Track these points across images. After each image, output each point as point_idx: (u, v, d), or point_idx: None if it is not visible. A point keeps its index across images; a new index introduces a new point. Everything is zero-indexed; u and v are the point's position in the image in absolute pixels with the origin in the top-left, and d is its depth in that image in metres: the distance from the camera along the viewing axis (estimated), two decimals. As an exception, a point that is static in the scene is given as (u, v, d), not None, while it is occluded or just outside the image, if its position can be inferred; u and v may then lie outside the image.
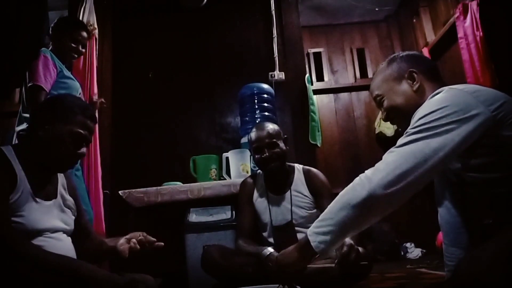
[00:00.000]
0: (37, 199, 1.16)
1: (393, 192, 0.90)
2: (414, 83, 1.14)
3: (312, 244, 0.99)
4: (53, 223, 1.19)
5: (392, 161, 0.92)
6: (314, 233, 1.00)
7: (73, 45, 2.15)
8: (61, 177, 1.32)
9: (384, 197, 0.91)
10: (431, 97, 1.03)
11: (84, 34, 2.21)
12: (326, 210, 1.01)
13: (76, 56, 2.22)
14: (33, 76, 1.94)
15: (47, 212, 1.18)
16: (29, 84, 1.94)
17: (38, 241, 1.11)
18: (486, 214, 1.00)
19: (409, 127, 0.97)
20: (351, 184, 0.97)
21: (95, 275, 1.03)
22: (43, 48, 2.05)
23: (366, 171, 0.96)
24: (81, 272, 1.02)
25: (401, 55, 1.22)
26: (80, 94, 2.20)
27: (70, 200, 1.31)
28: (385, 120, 1.23)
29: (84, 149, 1.24)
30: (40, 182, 1.20)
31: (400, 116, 1.17)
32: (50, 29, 2.19)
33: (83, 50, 2.27)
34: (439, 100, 0.98)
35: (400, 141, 0.96)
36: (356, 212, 0.94)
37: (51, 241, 1.15)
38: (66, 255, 1.16)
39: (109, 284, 1.03)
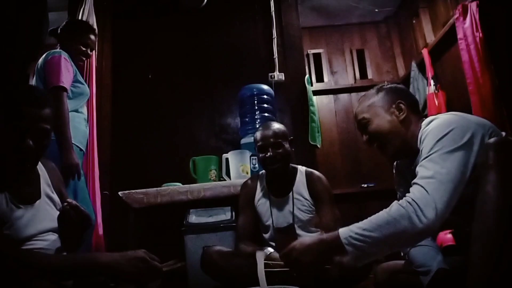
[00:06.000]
0: (21, 206, 1.11)
1: (443, 219, 0.96)
2: (401, 113, 1.23)
3: (350, 254, 1.00)
4: (40, 227, 1.15)
5: (437, 190, 0.97)
6: (353, 245, 0.99)
7: (82, 48, 2.14)
8: (43, 173, 1.26)
9: (436, 226, 0.97)
10: (430, 123, 1.12)
11: (93, 37, 2.21)
12: (372, 226, 0.99)
13: (84, 59, 2.21)
14: (56, 77, 1.90)
15: (33, 216, 1.14)
16: (51, 86, 1.89)
17: (27, 245, 1.09)
18: (466, 223, 1.01)
19: (430, 150, 1.04)
20: (404, 212, 0.97)
21: (115, 260, 0.99)
22: (60, 50, 2.04)
23: (415, 199, 0.97)
24: (100, 263, 0.99)
25: (389, 86, 1.32)
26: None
27: (55, 197, 1.26)
28: (368, 144, 1.29)
29: (28, 142, 1.06)
30: (19, 187, 1.15)
31: (382, 142, 1.24)
32: (59, 31, 2.18)
33: (91, 54, 2.27)
34: (445, 124, 1.06)
35: (429, 166, 1.01)
36: (408, 242, 1.04)
37: (39, 243, 1.13)
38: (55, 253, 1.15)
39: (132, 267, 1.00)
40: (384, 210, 1.01)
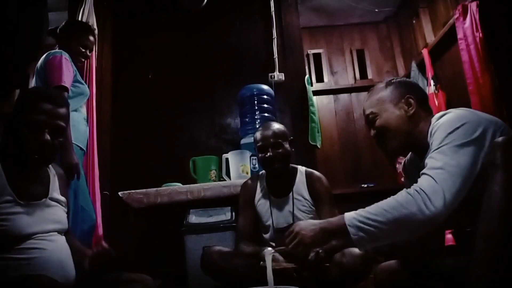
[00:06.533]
0: (22, 202, 1.12)
1: (450, 210, 0.96)
2: (410, 108, 1.20)
3: (352, 236, 1.01)
4: (42, 225, 1.15)
5: (445, 180, 0.97)
6: (356, 226, 1.00)
7: (81, 49, 2.15)
8: (53, 178, 1.28)
9: (443, 217, 0.96)
10: (441, 117, 1.11)
11: (92, 38, 2.21)
12: (377, 210, 1.00)
13: (83, 60, 2.21)
14: (58, 76, 1.90)
15: (36, 214, 1.15)
16: (53, 86, 1.88)
17: (29, 244, 1.10)
18: (468, 222, 1.01)
19: (440, 143, 1.03)
20: (411, 198, 0.97)
21: None
22: (61, 50, 2.04)
23: (423, 188, 0.97)
24: None
25: (399, 80, 1.28)
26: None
27: (62, 199, 1.28)
28: (375, 138, 1.26)
29: (46, 136, 1.13)
30: (25, 183, 1.16)
31: (390, 138, 1.21)
32: (58, 31, 2.18)
33: (90, 55, 2.27)
34: (456, 118, 1.05)
35: (439, 157, 1.01)
36: (413, 231, 1.00)
37: (43, 243, 1.13)
38: (59, 255, 1.16)
39: None
40: (392, 196, 1.01)
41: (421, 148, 1.19)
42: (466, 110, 1.11)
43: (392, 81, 1.28)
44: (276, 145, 1.79)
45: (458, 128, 1.02)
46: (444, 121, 1.07)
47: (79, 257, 1.24)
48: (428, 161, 1.03)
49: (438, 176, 0.97)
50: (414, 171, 1.31)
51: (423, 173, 1.02)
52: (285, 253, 1.26)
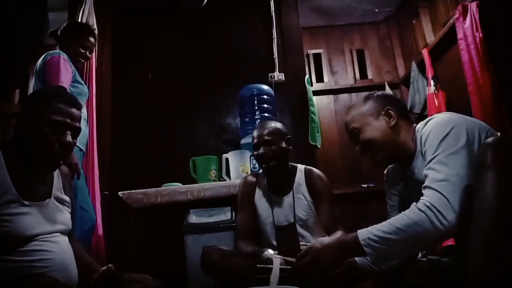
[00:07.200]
0: (26, 202, 1.11)
1: (461, 220, 0.97)
2: (391, 120, 1.23)
3: (368, 256, 1.03)
4: (46, 226, 1.15)
5: (451, 192, 0.98)
6: (371, 246, 1.01)
7: (82, 50, 2.15)
8: (57, 177, 1.28)
9: (456, 228, 0.97)
10: (426, 124, 1.13)
11: (92, 40, 2.22)
12: (391, 229, 1.01)
13: (83, 61, 2.22)
14: (55, 77, 1.91)
15: (39, 215, 1.14)
16: (52, 86, 1.89)
17: (33, 245, 1.10)
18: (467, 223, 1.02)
19: (435, 151, 1.04)
20: (423, 215, 0.98)
21: None
22: (59, 51, 2.04)
23: (433, 203, 0.98)
24: None
25: (377, 93, 1.32)
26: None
27: (66, 199, 1.27)
28: (361, 152, 1.29)
29: (68, 137, 1.15)
30: (30, 183, 1.16)
31: (375, 149, 1.24)
32: (59, 32, 2.19)
33: (90, 56, 2.27)
34: (444, 123, 1.07)
35: (439, 168, 1.02)
36: (427, 245, 1.03)
37: (47, 245, 1.13)
38: (62, 256, 1.15)
39: None
40: (403, 213, 1.02)
41: (404, 158, 1.22)
42: (449, 113, 1.13)
43: (370, 95, 1.31)
44: (269, 142, 1.80)
45: (448, 133, 1.04)
46: (433, 128, 1.09)
47: (88, 271, 1.23)
48: (429, 172, 1.04)
49: (444, 189, 0.98)
50: (397, 180, 1.33)
51: (428, 187, 1.02)
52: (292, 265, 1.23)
